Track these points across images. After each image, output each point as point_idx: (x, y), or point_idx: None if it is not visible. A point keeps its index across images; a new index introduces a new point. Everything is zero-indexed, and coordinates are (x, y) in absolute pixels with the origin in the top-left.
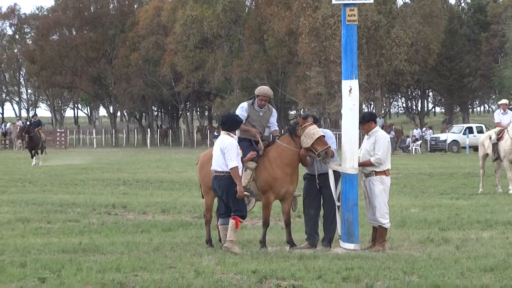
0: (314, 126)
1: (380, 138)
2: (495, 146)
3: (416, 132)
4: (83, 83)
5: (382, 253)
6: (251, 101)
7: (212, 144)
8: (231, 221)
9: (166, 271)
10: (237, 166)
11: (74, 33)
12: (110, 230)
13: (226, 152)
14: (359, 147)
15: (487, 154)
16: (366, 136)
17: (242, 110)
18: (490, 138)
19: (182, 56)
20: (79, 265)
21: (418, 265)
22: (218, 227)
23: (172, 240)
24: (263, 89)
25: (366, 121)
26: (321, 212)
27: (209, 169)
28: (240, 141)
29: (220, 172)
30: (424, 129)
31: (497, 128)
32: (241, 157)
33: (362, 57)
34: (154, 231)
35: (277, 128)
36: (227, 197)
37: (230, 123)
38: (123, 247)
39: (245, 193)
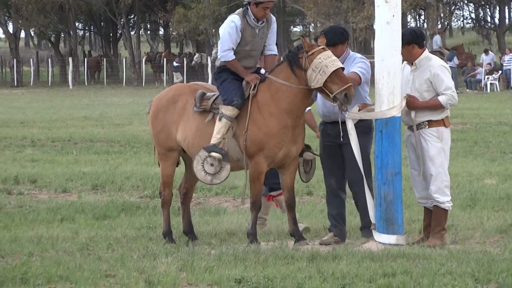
0: (328, 52)
1: (438, 69)
2: None
3: (489, 58)
4: None
5: (440, 249)
6: (241, 11)
7: (170, 81)
8: None
9: (101, 282)
10: None
11: None
12: (12, 219)
13: None
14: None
15: None
16: (410, 67)
17: (234, 30)
18: None
19: None
20: None
21: (497, 269)
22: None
23: (109, 234)
24: None
25: (412, 42)
26: None
27: (167, 121)
28: (220, 71)
29: None
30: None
31: None
32: (215, 97)
33: None
34: (81, 219)
35: (276, 52)
36: None
37: None
38: (33, 246)
39: (212, 154)
